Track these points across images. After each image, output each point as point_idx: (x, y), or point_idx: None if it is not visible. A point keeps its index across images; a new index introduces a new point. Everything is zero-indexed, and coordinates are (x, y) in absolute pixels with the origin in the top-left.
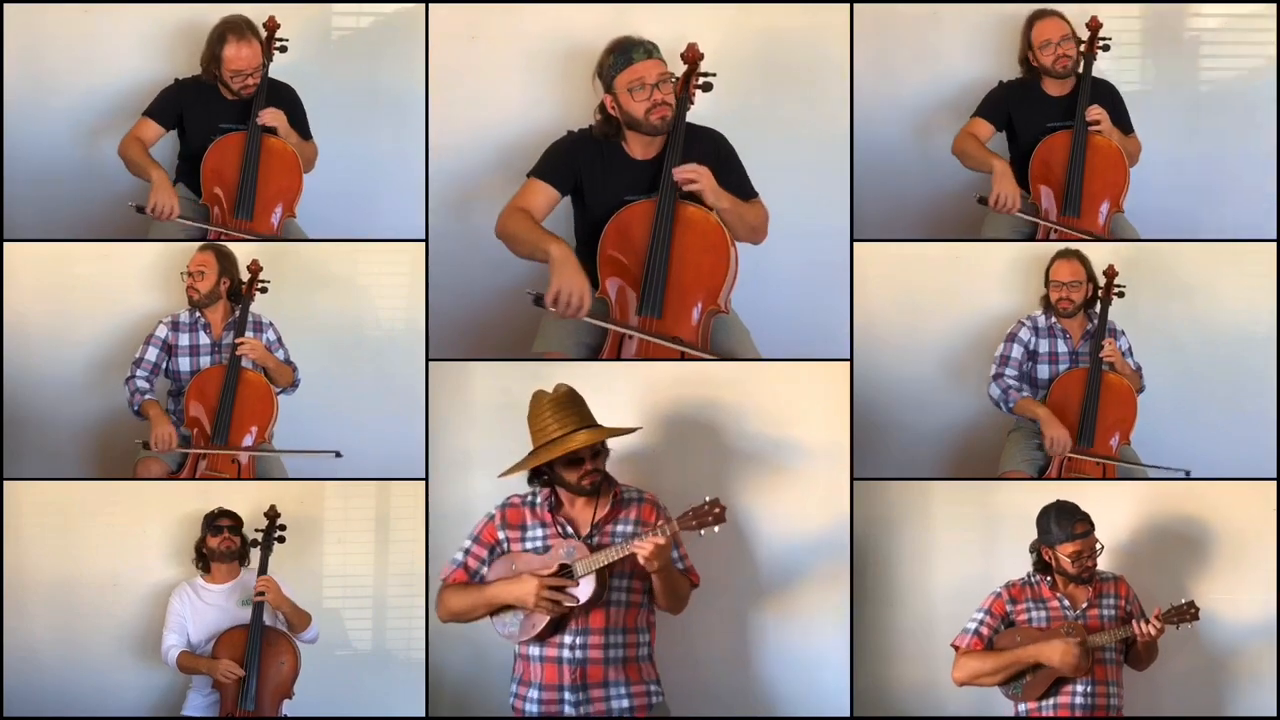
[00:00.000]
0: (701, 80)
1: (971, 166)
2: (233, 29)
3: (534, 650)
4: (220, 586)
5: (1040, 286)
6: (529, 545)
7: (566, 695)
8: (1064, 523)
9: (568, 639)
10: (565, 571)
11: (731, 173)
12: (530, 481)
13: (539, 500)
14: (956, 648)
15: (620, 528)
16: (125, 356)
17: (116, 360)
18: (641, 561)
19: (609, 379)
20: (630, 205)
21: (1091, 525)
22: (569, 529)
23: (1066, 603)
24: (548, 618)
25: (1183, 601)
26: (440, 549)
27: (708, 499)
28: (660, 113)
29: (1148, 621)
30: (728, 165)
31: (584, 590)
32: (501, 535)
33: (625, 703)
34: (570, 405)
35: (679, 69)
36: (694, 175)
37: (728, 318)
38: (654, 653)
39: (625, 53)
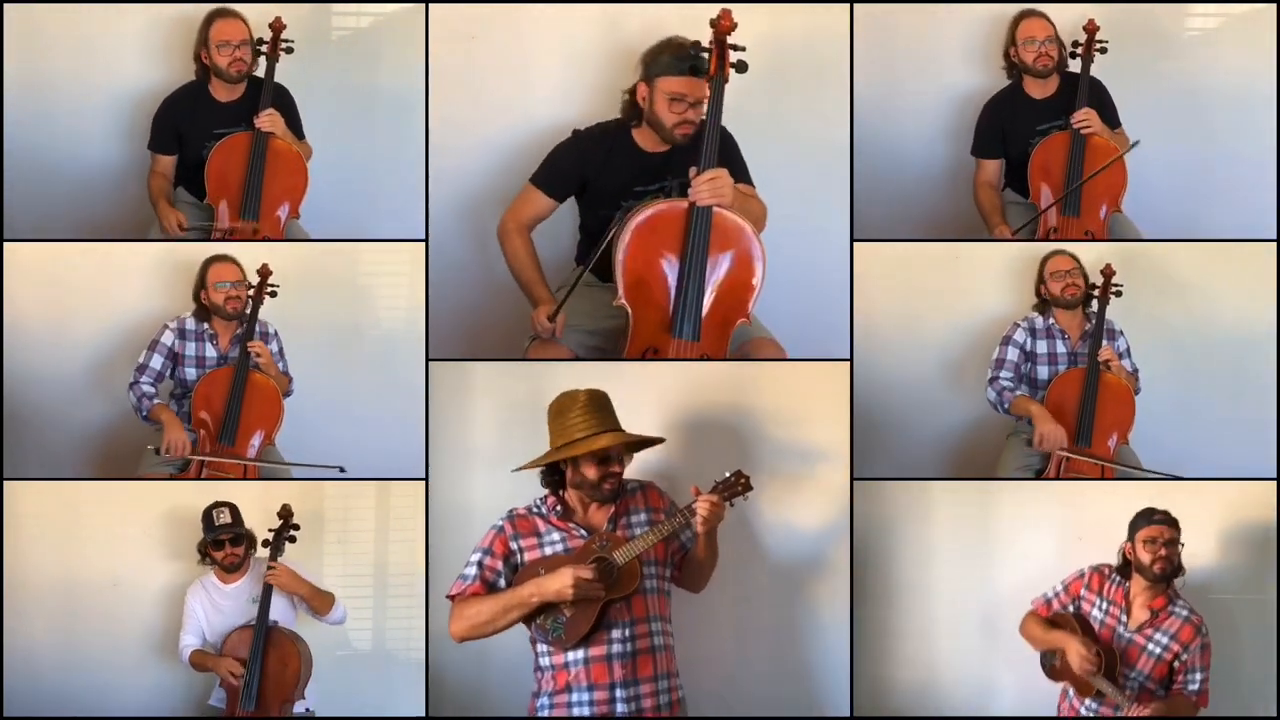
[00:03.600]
0: (735, 58)
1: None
2: (219, 12)
3: (575, 655)
4: (233, 586)
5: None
6: (549, 550)
7: (618, 692)
8: (1145, 513)
9: (615, 634)
10: (604, 564)
11: (735, 164)
12: (544, 473)
13: (546, 510)
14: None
15: (635, 518)
16: (126, 357)
17: (116, 361)
18: (700, 524)
19: (608, 379)
20: (659, 213)
21: (1172, 521)
22: (585, 531)
23: (1125, 618)
24: (594, 616)
25: (727, 474)
26: (440, 549)
27: (729, 472)
28: (684, 130)
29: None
30: (732, 159)
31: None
32: (514, 545)
33: (665, 698)
34: (601, 408)
35: (706, 38)
36: (720, 200)
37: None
38: None
39: (683, 60)
